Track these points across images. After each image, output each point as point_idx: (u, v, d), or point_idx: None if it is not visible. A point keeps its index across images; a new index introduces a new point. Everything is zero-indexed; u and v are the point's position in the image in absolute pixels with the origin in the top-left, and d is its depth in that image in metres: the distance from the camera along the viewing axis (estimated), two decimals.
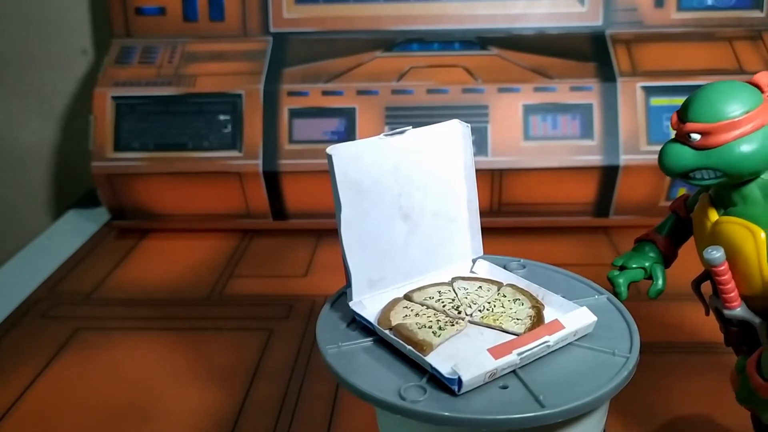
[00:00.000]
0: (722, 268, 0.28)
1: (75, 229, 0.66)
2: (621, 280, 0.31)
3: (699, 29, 0.63)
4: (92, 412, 0.40)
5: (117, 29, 0.66)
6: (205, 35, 0.65)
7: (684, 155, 0.27)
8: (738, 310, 0.28)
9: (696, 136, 0.27)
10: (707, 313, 0.31)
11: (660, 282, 0.32)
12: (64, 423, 0.39)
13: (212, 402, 0.40)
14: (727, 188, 0.28)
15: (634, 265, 0.32)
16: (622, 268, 0.32)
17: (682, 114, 0.28)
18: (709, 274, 0.29)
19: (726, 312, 0.29)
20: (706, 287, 0.31)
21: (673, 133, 0.28)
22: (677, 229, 0.32)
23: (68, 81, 0.76)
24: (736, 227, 0.28)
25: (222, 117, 0.61)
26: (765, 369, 0.27)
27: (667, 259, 0.32)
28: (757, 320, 0.28)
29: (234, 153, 0.60)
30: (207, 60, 0.63)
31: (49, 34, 0.75)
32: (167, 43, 0.65)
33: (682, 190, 0.59)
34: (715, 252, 0.27)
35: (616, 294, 0.31)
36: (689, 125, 0.27)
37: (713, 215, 0.29)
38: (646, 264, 0.32)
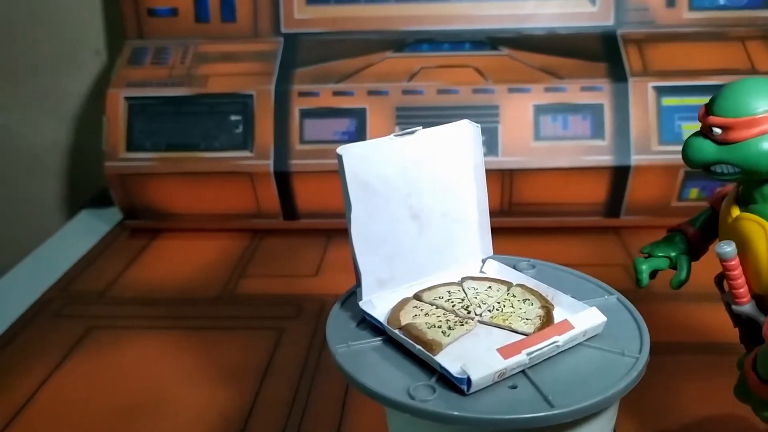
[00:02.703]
0: (733, 262, 0.28)
1: (88, 229, 0.66)
2: (644, 267, 0.31)
3: (711, 29, 0.62)
4: (104, 410, 0.40)
5: (129, 30, 0.66)
6: (217, 36, 0.65)
7: (705, 148, 0.28)
8: (746, 306, 0.28)
9: (718, 130, 0.27)
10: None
11: (684, 273, 0.31)
12: (77, 421, 0.39)
13: (223, 401, 0.40)
14: (751, 185, 0.28)
15: (660, 254, 0.32)
16: (648, 256, 0.32)
17: (708, 107, 0.28)
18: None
19: (734, 308, 0.29)
20: None
21: (698, 126, 0.28)
22: (711, 223, 0.32)
23: (81, 82, 0.77)
24: (750, 224, 0.28)
25: (233, 117, 0.61)
26: (761, 366, 0.27)
27: (696, 251, 0.32)
28: (762, 318, 0.28)
29: (245, 153, 0.60)
30: (218, 61, 0.64)
31: (62, 36, 0.75)
32: (179, 44, 0.65)
33: (694, 191, 0.59)
34: (726, 246, 0.27)
35: (636, 280, 0.31)
36: (712, 119, 0.27)
37: (735, 211, 0.29)
38: (672, 254, 0.32)
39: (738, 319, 0.30)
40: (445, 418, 0.24)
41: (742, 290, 0.28)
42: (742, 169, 0.27)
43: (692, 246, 0.32)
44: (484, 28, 0.64)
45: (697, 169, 0.28)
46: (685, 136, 0.52)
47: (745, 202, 0.29)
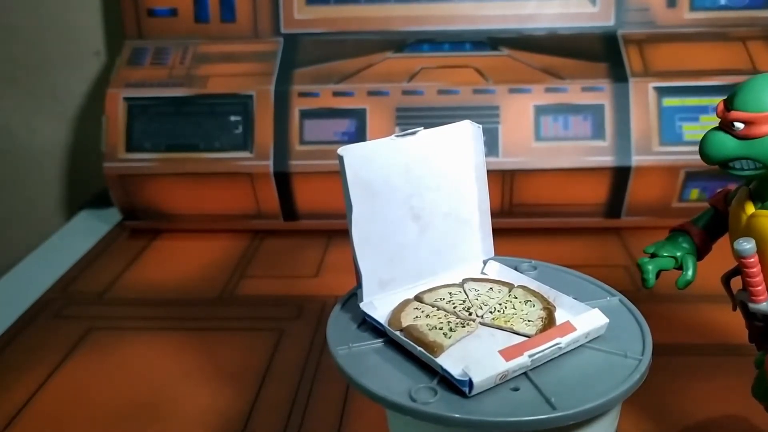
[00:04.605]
0: (752, 260, 0.27)
1: (87, 230, 0.66)
2: (650, 267, 0.31)
3: (712, 29, 0.62)
4: (104, 411, 0.40)
5: (129, 30, 0.66)
6: (217, 36, 0.65)
7: (725, 144, 0.27)
8: (763, 304, 0.28)
9: (740, 125, 0.27)
10: (734, 309, 0.31)
11: (690, 273, 0.31)
12: (77, 422, 0.39)
13: (223, 402, 0.40)
14: (767, 181, 0.28)
15: (665, 254, 0.32)
16: (653, 256, 0.32)
17: (728, 102, 0.28)
18: (739, 268, 0.29)
19: (751, 306, 0.29)
20: (736, 284, 0.31)
21: (717, 122, 0.28)
22: (714, 223, 0.32)
23: (81, 82, 0.77)
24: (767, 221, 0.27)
25: (233, 118, 0.61)
26: None
27: (700, 252, 0.32)
28: None
29: (245, 154, 0.60)
30: (218, 61, 0.64)
31: (62, 36, 0.75)
32: (179, 44, 0.65)
33: (695, 192, 0.59)
34: (745, 243, 0.27)
35: (643, 281, 0.31)
36: (733, 113, 0.27)
37: (750, 208, 0.29)
38: (678, 254, 0.31)
39: (753, 317, 0.30)
40: (446, 420, 0.24)
41: (759, 288, 0.28)
42: (764, 164, 0.27)
43: (696, 246, 0.32)
44: (484, 29, 0.64)
45: (715, 165, 0.28)
46: (686, 137, 0.52)
47: (759, 198, 0.29)
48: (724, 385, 0.40)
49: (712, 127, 0.28)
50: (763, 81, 0.27)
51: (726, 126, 0.27)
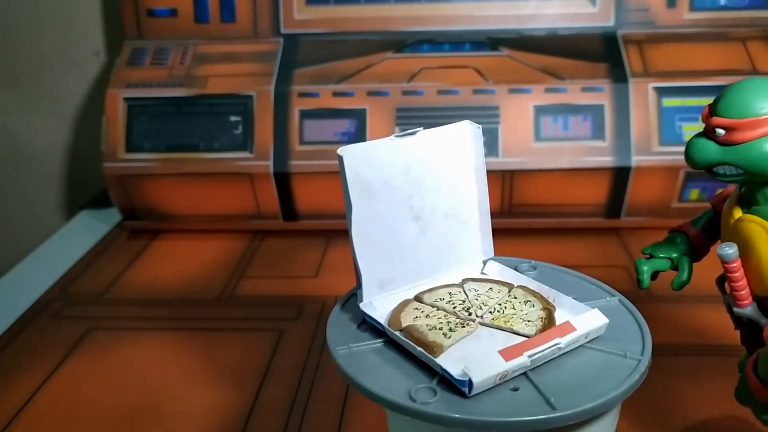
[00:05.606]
0: (734, 264, 0.28)
1: (87, 230, 0.66)
2: (645, 268, 0.31)
3: (712, 29, 0.62)
4: (104, 412, 0.40)
5: (129, 31, 0.66)
6: (217, 36, 0.65)
7: (708, 149, 0.27)
8: (747, 308, 0.28)
9: (721, 131, 0.27)
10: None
11: (685, 274, 0.31)
12: (76, 422, 0.39)
13: (223, 402, 0.40)
14: (753, 186, 0.28)
15: (661, 255, 0.32)
16: (650, 257, 0.32)
17: (712, 108, 0.28)
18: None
19: (735, 310, 0.29)
20: None
21: (701, 126, 0.28)
22: (713, 224, 0.32)
23: (81, 82, 0.77)
24: (753, 225, 0.28)
25: (233, 118, 0.61)
26: (761, 369, 0.27)
27: (698, 252, 0.32)
28: (763, 321, 0.28)
29: (245, 154, 0.60)
30: (218, 61, 0.64)
31: (62, 36, 0.75)
32: (179, 44, 0.65)
33: (694, 192, 0.59)
34: (728, 248, 0.27)
35: (638, 281, 0.31)
36: (715, 119, 0.27)
37: (737, 212, 0.29)
38: (674, 255, 0.32)
39: (739, 321, 0.30)
40: (446, 420, 0.24)
41: (743, 292, 0.28)
42: (745, 170, 0.27)
43: (694, 247, 0.32)
44: (484, 29, 0.64)
45: (700, 170, 0.28)
46: (686, 137, 0.52)
47: (747, 203, 0.29)
48: (724, 385, 0.40)
49: (698, 132, 0.28)
50: (744, 87, 0.27)
51: (709, 131, 0.28)
